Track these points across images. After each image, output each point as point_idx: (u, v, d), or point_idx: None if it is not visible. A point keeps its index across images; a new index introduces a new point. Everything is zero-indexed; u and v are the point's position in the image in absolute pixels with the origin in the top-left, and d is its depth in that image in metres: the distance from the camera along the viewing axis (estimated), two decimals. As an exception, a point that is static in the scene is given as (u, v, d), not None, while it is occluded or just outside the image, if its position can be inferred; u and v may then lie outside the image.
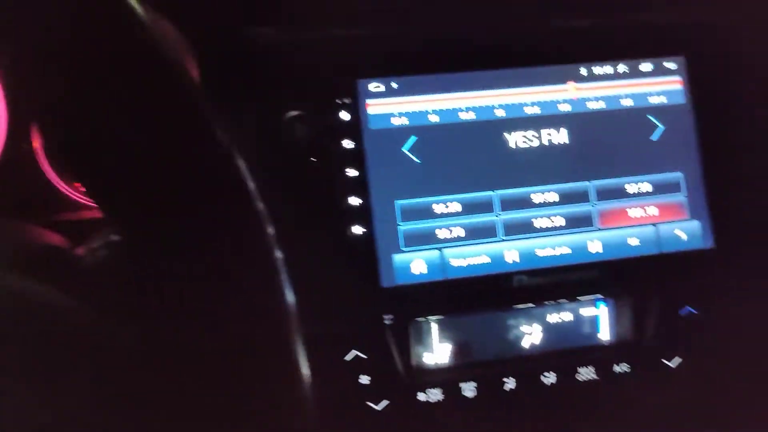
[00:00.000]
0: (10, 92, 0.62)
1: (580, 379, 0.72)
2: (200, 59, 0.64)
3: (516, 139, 0.70)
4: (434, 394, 0.69)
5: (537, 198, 0.70)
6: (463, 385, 0.69)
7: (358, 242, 0.67)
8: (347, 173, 0.67)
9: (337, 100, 0.68)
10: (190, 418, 0.30)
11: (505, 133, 0.70)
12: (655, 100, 0.73)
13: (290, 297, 0.31)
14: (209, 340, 0.30)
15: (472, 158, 0.69)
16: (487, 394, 0.70)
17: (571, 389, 0.71)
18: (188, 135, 0.30)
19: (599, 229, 0.70)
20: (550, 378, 0.71)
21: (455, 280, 0.68)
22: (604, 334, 0.74)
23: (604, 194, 0.71)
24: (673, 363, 0.74)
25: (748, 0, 0.74)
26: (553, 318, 0.72)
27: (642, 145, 0.72)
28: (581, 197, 0.70)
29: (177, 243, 0.31)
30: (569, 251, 0.70)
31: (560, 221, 0.70)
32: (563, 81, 0.72)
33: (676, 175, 0.72)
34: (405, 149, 0.68)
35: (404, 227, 0.67)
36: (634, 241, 0.71)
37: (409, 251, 0.67)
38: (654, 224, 0.71)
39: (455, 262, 0.68)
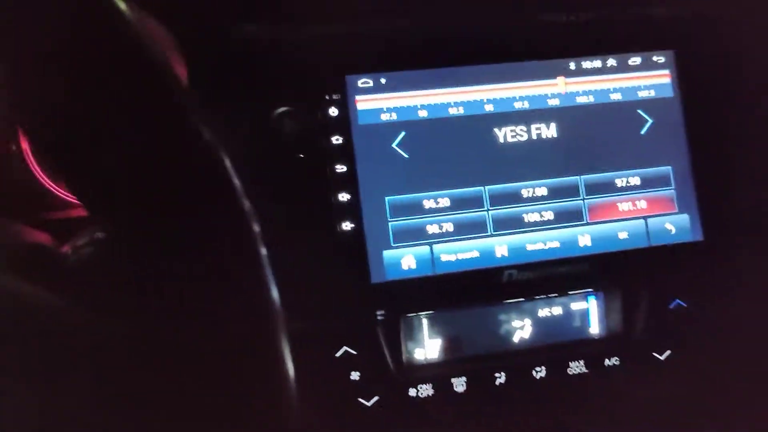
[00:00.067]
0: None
1: (570, 373, 0.72)
2: (188, 57, 0.64)
3: (505, 134, 0.70)
4: (425, 390, 0.69)
5: (526, 192, 0.70)
6: (453, 380, 0.70)
7: (348, 238, 0.67)
8: (336, 169, 0.67)
9: (326, 96, 0.68)
10: (176, 417, 0.30)
11: (494, 128, 0.70)
12: (643, 94, 0.73)
13: (276, 294, 0.31)
14: (194, 338, 0.30)
15: (461, 153, 0.69)
16: (478, 388, 0.70)
17: (562, 383, 0.72)
18: (173, 133, 0.30)
19: (589, 223, 0.71)
20: (540, 372, 0.71)
21: (445, 276, 0.68)
22: (595, 328, 0.74)
23: (594, 188, 0.71)
24: (663, 356, 0.74)
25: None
26: (543, 312, 0.73)
27: (631, 139, 0.72)
28: (571, 192, 0.71)
29: (162, 241, 0.31)
30: (559, 245, 0.70)
31: (550, 216, 0.70)
32: (552, 76, 0.72)
33: (665, 169, 0.73)
34: (394, 145, 0.68)
35: (394, 223, 0.67)
36: (623, 235, 0.71)
37: (398, 247, 0.67)
38: (643, 218, 0.72)
39: (445, 258, 0.68)
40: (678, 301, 0.74)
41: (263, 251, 0.31)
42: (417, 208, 0.68)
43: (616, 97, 0.73)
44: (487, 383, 0.70)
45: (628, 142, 0.72)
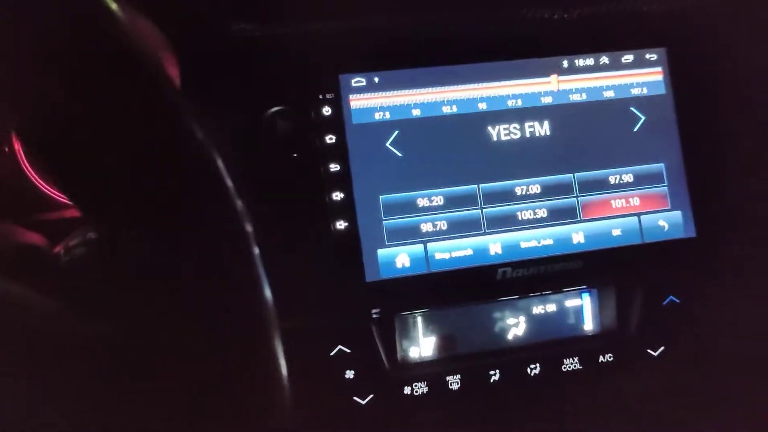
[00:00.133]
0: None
1: (564, 370, 0.72)
2: (180, 57, 0.64)
3: (499, 132, 0.70)
4: (420, 388, 0.69)
5: (520, 190, 0.70)
6: (448, 378, 0.70)
7: (342, 237, 0.67)
8: (330, 168, 0.67)
9: (319, 96, 0.68)
10: (168, 416, 0.30)
11: (487, 126, 0.70)
12: (636, 92, 0.73)
13: (269, 294, 0.31)
14: (188, 338, 0.30)
15: (455, 152, 0.69)
16: (473, 386, 0.70)
17: (556, 380, 0.72)
18: (166, 133, 0.30)
19: (582, 221, 0.71)
20: (535, 369, 0.72)
21: (439, 274, 0.68)
22: (588, 325, 0.74)
23: (587, 186, 0.71)
24: (657, 352, 0.75)
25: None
26: (537, 309, 0.73)
27: (624, 136, 0.73)
28: (564, 189, 0.71)
29: (155, 241, 0.31)
30: (552, 243, 0.70)
31: (543, 213, 0.70)
32: (545, 74, 0.72)
33: (658, 166, 0.73)
34: (388, 144, 0.68)
35: (388, 222, 0.67)
36: (617, 232, 0.71)
37: (393, 245, 0.67)
38: (636, 215, 0.72)
39: (439, 256, 0.68)
40: (671, 297, 0.75)
41: (256, 251, 0.31)
42: (411, 207, 0.68)
43: (608, 94, 0.73)
44: (481, 381, 0.71)
45: (621, 140, 0.72)
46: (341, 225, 0.67)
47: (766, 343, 0.74)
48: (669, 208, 0.73)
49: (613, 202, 0.72)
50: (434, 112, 0.69)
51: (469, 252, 0.69)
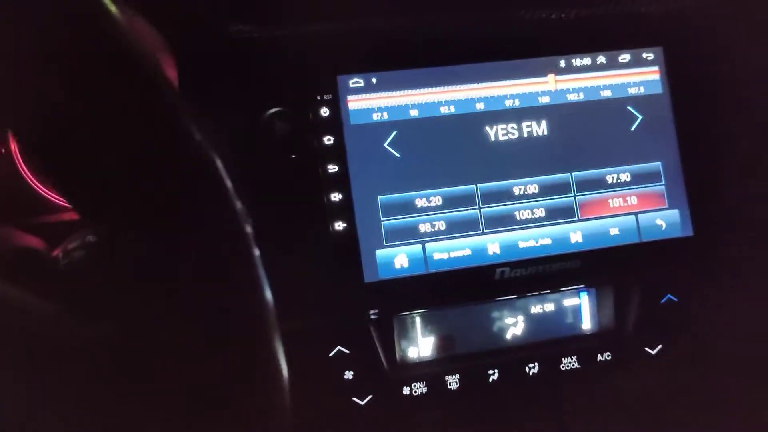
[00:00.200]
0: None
1: (563, 369, 0.73)
2: (178, 58, 0.64)
3: (496, 132, 0.70)
4: (419, 388, 0.69)
5: (518, 190, 0.70)
6: (447, 378, 0.70)
7: (341, 238, 0.67)
8: (329, 169, 0.67)
9: (317, 97, 0.68)
10: (168, 417, 0.30)
11: (485, 127, 0.70)
12: (633, 91, 0.74)
13: (269, 295, 0.31)
14: (189, 340, 0.30)
15: (453, 152, 0.69)
16: (471, 386, 0.70)
17: (555, 379, 0.72)
18: (165, 135, 0.30)
19: (580, 220, 0.71)
20: (533, 368, 0.72)
21: (438, 274, 0.68)
22: (587, 324, 0.74)
23: (585, 185, 0.72)
24: (655, 350, 0.75)
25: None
26: (535, 309, 0.73)
27: (621, 135, 0.73)
28: (562, 188, 0.71)
29: (155, 243, 0.31)
30: (550, 242, 0.70)
31: (541, 213, 0.70)
32: (543, 73, 0.72)
33: (655, 165, 0.73)
34: (386, 144, 0.68)
35: (386, 222, 0.67)
36: (614, 231, 0.72)
37: (391, 246, 0.67)
38: (634, 214, 0.72)
39: (438, 256, 0.68)
40: (669, 296, 0.75)
41: (256, 252, 0.31)
42: (409, 207, 0.68)
43: (606, 94, 0.73)
44: (480, 380, 0.71)
45: (619, 139, 0.73)
46: (340, 226, 0.67)
47: (764, 341, 0.75)
48: (666, 206, 0.73)
49: (610, 201, 0.72)
50: (432, 112, 0.70)
51: (468, 252, 0.69)
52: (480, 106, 0.70)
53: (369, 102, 0.69)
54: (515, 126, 0.71)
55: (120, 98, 0.30)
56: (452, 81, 0.70)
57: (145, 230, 0.30)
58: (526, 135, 0.71)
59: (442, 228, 0.68)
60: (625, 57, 0.74)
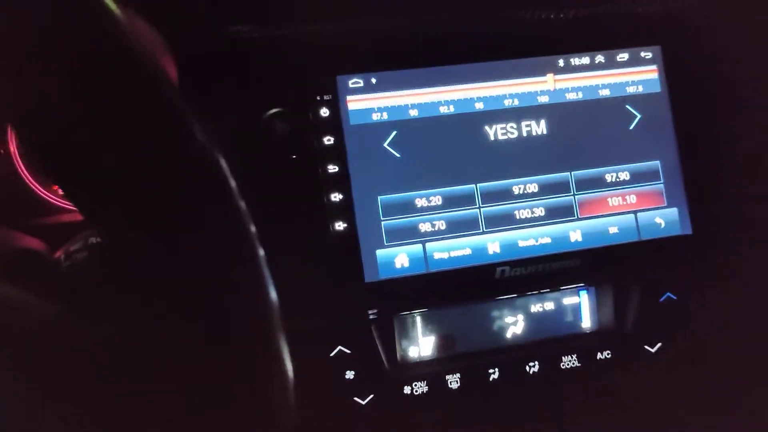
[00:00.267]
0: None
1: (563, 367, 0.73)
2: (178, 58, 0.64)
3: (496, 132, 0.71)
4: (419, 387, 0.69)
5: (517, 189, 0.70)
6: (448, 377, 0.70)
7: (341, 238, 0.67)
8: (329, 169, 0.67)
9: (317, 97, 0.68)
10: (172, 417, 0.30)
11: (484, 126, 0.70)
12: (631, 90, 0.74)
13: (273, 295, 0.31)
14: (191, 340, 0.30)
15: (452, 152, 0.69)
16: (472, 385, 0.71)
17: (555, 377, 0.72)
18: (166, 135, 0.30)
19: (579, 219, 0.71)
20: (533, 367, 0.72)
21: (438, 273, 0.68)
22: (586, 322, 0.75)
23: (584, 184, 0.72)
24: (654, 348, 0.75)
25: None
26: (535, 308, 0.73)
27: (620, 134, 0.73)
28: (561, 188, 0.71)
29: (158, 244, 0.30)
30: (550, 241, 0.70)
31: (541, 212, 0.70)
32: (541, 73, 0.72)
33: (654, 164, 0.73)
34: (386, 144, 0.68)
35: (386, 222, 0.67)
36: (614, 230, 0.72)
37: (391, 246, 0.67)
38: (633, 212, 0.72)
39: (438, 256, 0.68)
40: (668, 294, 0.75)
41: (261, 252, 0.30)
42: (409, 207, 0.68)
43: (604, 93, 0.73)
44: (481, 379, 0.71)
45: (617, 138, 0.73)
46: (340, 226, 0.67)
47: (763, 339, 0.75)
48: (665, 205, 0.73)
49: (609, 200, 0.72)
50: (431, 112, 0.70)
51: (468, 251, 0.69)
52: (479, 106, 0.71)
53: (369, 102, 0.69)
54: (514, 125, 0.71)
55: (120, 98, 0.29)
56: (451, 81, 0.70)
57: (148, 230, 0.30)
58: (525, 134, 0.71)
59: (443, 228, 0.68)
60: (623, 56, 0.74)
